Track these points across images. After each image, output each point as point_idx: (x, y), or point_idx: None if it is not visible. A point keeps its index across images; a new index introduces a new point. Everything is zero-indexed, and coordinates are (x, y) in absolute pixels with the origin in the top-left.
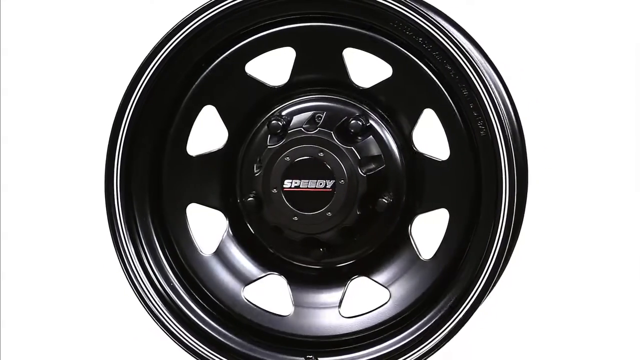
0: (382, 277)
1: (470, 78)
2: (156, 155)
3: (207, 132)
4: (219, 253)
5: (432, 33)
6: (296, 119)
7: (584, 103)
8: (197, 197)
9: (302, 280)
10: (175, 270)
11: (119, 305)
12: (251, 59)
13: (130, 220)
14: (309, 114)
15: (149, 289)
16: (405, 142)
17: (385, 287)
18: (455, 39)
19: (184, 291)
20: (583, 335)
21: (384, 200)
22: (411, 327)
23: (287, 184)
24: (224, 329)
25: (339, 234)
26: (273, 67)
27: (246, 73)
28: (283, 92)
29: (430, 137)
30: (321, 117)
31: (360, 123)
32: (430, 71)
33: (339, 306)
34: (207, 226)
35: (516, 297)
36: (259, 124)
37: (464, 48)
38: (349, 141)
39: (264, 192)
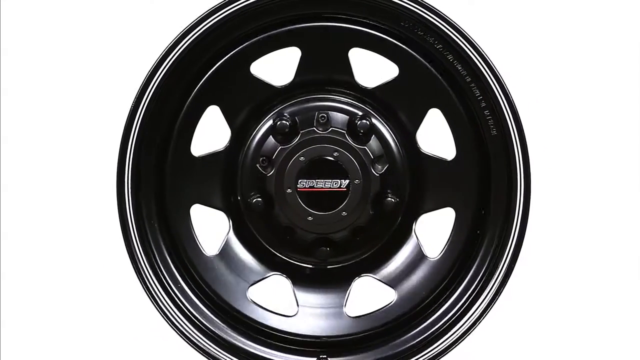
0: (388, 276)
1: (486, 78)
2: (161, 157)
3: (208, 133)
4: (223, 254)
5: (448, 33)
6: (299, 118)
7: (583, 103)
8: (200, 197)
9: (306, 281)
10: (182, 271)
11: (118, 306)
12: (257, 58)
13: (140, 223)
14: (311, 114)
15: (160, 292)
16: (409, 141)
17: (391, 287)
18: (472, 39)
19: (191, 291)
20: (590, 337)
21: (390, 199)
22: (419, 326)
23: (302, 184)
24: (231, 329)
25: (351, 233)
26: (275, 67)
27: (251, 73)
28: (286, 92)
29: (435, 136)
30: (325, 117)
31: (368, 123)
32: (437, 71)
33: (344, 306)
34: (210, 227)
35: (520, 297)
36: (261, 124)
37: (480, 48)
38: (360, 141)
39: (277, 192)
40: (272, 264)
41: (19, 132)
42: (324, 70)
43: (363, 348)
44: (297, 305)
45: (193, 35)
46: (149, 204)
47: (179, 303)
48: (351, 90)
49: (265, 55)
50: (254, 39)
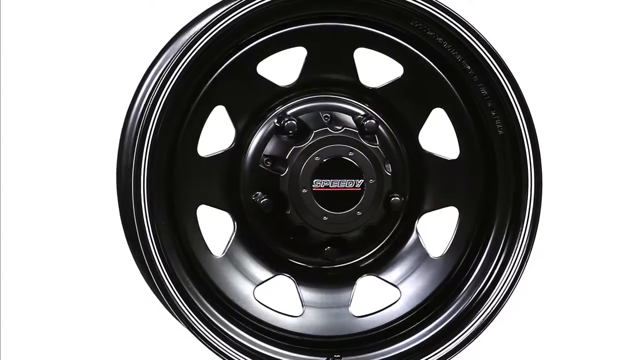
0: (392, 275)
1: (498, 78)
2: (170, 158)
3: (213, 133)
4: (229, 255)
5: (461, 34)
6: (303, 118)
7: (583, 104)
8: (206, 198)
9: (311, 281)
10: (191, 272)
11: (120, 308)
12: (263, 58)
13: (154, 227)
14: (314, 113)
15: (177, 294)
16: (412, 140)
17: (395, 286)
18: (485, 39)
19: (200, 293)
20: (599, 344)
21: (397, 198)
22: (426, 326)
23: (317, 183)
24: (241, 330)
25: (363, 232)
26: (279, 66)
27: (257, 73)
28: (290, 91)
29: (438, 135)
30: (328, 117)
31: (374, 122)
32: (443, 71)
33: (349, 305)
34: (214, 228)
35: (529, 298)
36: (264, 124)
37: (494, 48)
38: (372, 140)
39: (292, 192)
40: (277, 264)
41: (19, 132)
42: (329, 70)
43: (369, 348)
44: (303, 306)
45: (206, 38)
46: (161, 206)
47: (194, 305)
48: (355, 90)
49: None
50: (261, 39)
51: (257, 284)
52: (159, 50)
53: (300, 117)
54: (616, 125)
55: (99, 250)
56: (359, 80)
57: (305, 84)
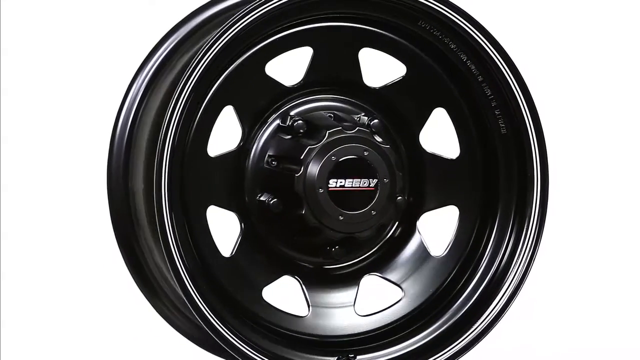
0: (394, 274)
1: (506, 78)
2: (182, 160)
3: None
4: (236, 256)
5: (472, 35)
6: (308, 118)
7: (582, 105)
8: (215, 199)
9: (316, 281)
10: (202, 274)
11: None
12: (271, 58)
13: (174, 228)
14: (317, 113)
15: (197, 295)
16: (412, 140)
17: (398, 285)
18: (495, 38)
19: (212, 294)
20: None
21: (400, 198)
22: (431, 325)
23: (332, 183)
24: (252, 331)
25: (376, 231)
26: (284, 66)
27: (265, 73)
28: (295, 91)
29: (437, 135)
30: (332, 117)
31: (380, 122)
32: (446, 70)
33: (354, 305)
34: (220, 228)
35: (535, 298)
36: (269, 124)
37: (503, 48)
38: (384, 140)
39: (308, 192)
40: (283, 265)
41: (19, 132)
42: (335, 70)
43: (376, 347)
44: (308, 306)
45: (224, 39)
46: (177, 209)
47: (215, 308)
48: (358, 90)
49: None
50: (270, 39)
51: (265, 285)
52: (149, 50)
53: (305, 116)
54: (618, 125)
55: (87, 251)
56: (363, 80)
57: (310, 83)
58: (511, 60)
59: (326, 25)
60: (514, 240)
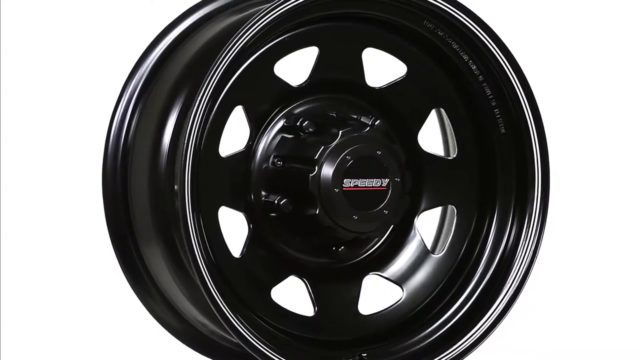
0: (394, 273)
1: (508, 77)
2: (196, 161)
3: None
4: (245, 257)
5: (478, 36)
6: (312, 117)
7: (582, 105)
8: (225, 199)
9: (321, 281)
10: (217, 276)
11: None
12: (281, 57)
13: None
14: (321, 113)
15: (220, 296)
16: (410, 140)
17: (398, 284)
18: (499, 37)
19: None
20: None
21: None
22: (433, 323)
23: (347, 183)
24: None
25: (385, 230)
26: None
27: (274, 73)
28: (299, 91)
29: (435, 134)
30: (334, 117)
31: (382, 122)
32: (446, 71)
33: (358, 304)
34: (229, 229)
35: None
36: (273, 123)
37: (508, 48)
38: (393, 140)
39: (323, 192)
40: (289, 265)
41: (19, 133)
42: (339, 70)
43: (380, 347)
44: (314, 306)
45: (245, 37)
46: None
47: (239, 309)
48: (360, 90)
49: None
50: (280, 39)
51: (273, 285)
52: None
53: (311, 116)
54: (618, 125)
55: (82, 249)
56: (365, 81)
57: (315, 83)
58: (514, 58)
59: (333, 24)
60: (514, 239)
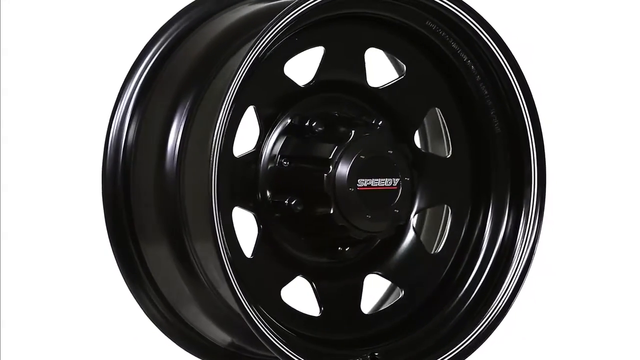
0: (394, 273)
1: (510, 81)
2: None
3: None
4: (257, 256)
5: (481, 36)
6: (317, 117)
7: (581, 106)
8: (238, 199)
9: (327, 280)
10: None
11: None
12: (290, 57)
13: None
14: (324, 112)
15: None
16: (406, 140)
17: (398, 284)
18: (499, 36)
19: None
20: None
21: None
22: (434, 322)
23: (360, 182)
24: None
25: (395, 230)
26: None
27: (284, 72)
28: (306, 91)
29: (433, 133)
30: (337, 117)
31: (384, 122)
32: (443, 72)
33: (360, 304)
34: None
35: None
36: (279, 123)
37: (510, 51)
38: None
39: (338, 191)
40: (296, 265)
41: (19, 133)
42: (342, 70)
43: (382, 346)
44: (320, 306)
45: (268, 38)
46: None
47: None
48: (362, 90)
49: None
50: (289, 38)
51: (282, 285)
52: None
53: (318, 116)
54: (617, 125)
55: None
56: (366, 81)
57: (320, 83)
58: (514, 58)
59: (339, 24)
60: (509, 238)
